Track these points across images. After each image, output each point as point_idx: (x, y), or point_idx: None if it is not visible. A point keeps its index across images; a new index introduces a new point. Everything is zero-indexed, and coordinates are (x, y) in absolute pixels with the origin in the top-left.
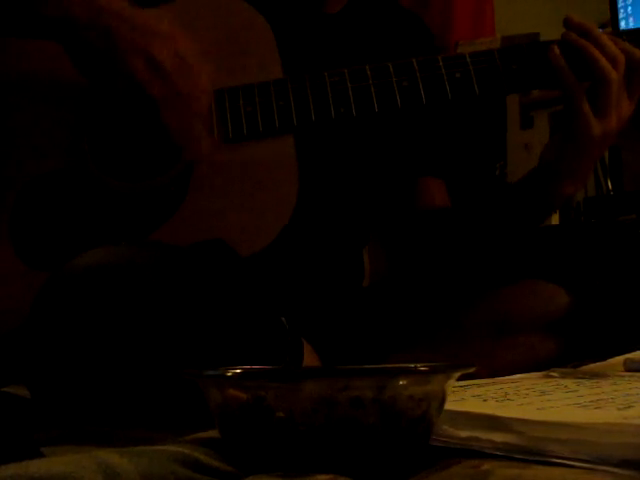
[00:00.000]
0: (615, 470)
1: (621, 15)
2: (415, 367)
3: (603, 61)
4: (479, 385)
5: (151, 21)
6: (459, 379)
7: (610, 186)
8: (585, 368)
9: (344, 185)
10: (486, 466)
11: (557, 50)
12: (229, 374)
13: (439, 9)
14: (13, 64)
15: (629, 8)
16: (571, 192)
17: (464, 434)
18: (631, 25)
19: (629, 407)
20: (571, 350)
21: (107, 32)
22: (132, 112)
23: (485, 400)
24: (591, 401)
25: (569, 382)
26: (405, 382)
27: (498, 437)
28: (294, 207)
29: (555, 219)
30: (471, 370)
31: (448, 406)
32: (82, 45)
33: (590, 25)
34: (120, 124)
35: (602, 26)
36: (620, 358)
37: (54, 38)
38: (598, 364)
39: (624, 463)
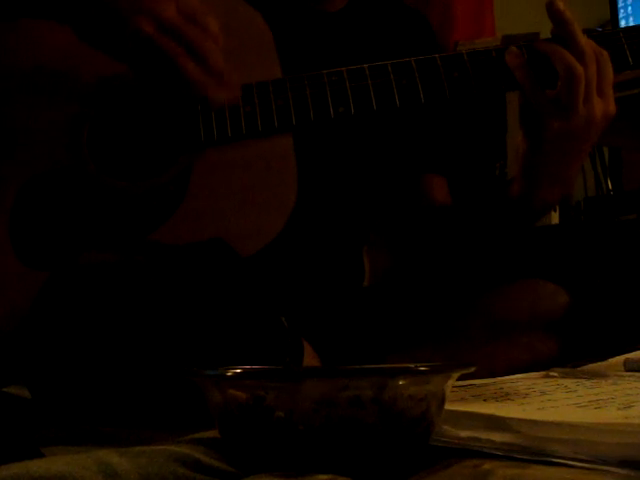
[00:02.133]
0: (615, 470)
1: (621, 15)
2: (415, 367)
3: (569, 57)
4: (479, 385)
5: None
6: (459, 379)
7: (610, 186)
8: (585, 368)
9: (343, 184)
10: (486, 466)
11: (515, 49)
12: (229, 374)
13: (439, 9)
14: (12, 59)
15: (629, 8)
16: (554, 198)
17: (464, 434)
18: (631, 24)
19: (629, 407)
20: (571, 350)
21: (109, 2)
22: (135, 108)
23: (485, 400)
24: (591, 401)
25: (569, 382)
26: (405, 382)
27: (498, 437)
28: (293, 207)
29: (555, 219)
30: (471, 370)
31: (448, 406)
32: (89, 20)
33: (569, 17)
34: (120, 122)
35: (602, 26)
36: (620, 358)
37: (65, 18)
38: (598, 364)
39: (624, 463)
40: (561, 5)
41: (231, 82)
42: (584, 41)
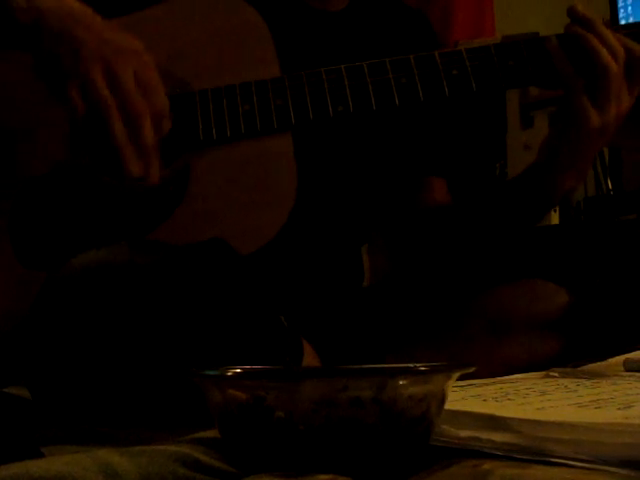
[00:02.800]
0: (615, 470)
1: (621, 15)
2: (415, 367)
3: (604, 52)
4: (479, 385)
5: (119, 36)
6: (459, 379)
7: (610, 186)
8: (585, 368)
9: (342, 183)
10: (486, 466)
11: (555, 41)
12: (229, 374)
13: (439, 9)
14: (12, 59)
15: (629, 8)
16: (571, 186)
17: (464, 434)
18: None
19: (629, 407)
20: (571, 349)
21: (73, 42)
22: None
23: (485, 400)
24: (591, 401)
25: (569, 382)
26: (405, 382)
27: (498, 437)
28: (293, 206)
29: (555, 219)
30: (471, 370)
31: (448, 406)
32: (46, 52)
33: (593, 17)
34: None
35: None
36: (620, 358)
37: (23, 46)
38: (598, 364)
39: (624, 463)
40: (581, 7)
41: (153, 161)
42: (613, 38)
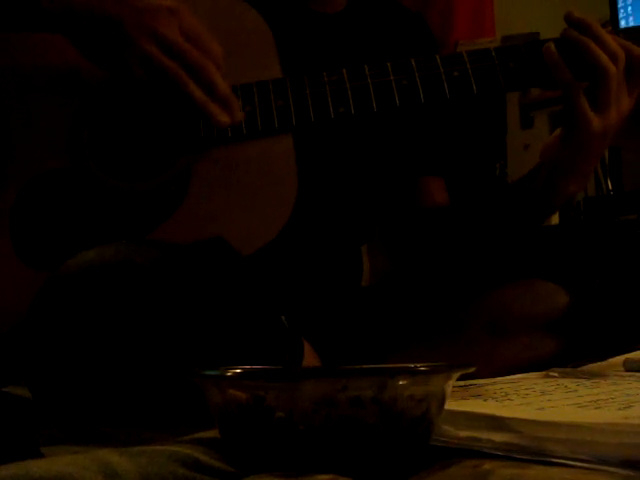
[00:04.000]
0: (615, 470)
1: (621, 15)
2: (415, 367)
3: (603, 56)
4: (479, 385)
5: (149, 1)
6: (459, 379)
7: (610, 186)
8: (585, 368)
9: (343, 184)
10: (486, 466)
11: (552, 47)
12: (229, 374)
13: (439, 9)
14: (12, 60)
15: (629, 8)
16: (574, 190)
17: (464, 434)
18: (631, 25)
19: (629, 407)
20: (571, 349)
21: (112, 21)
22: (135, 108)
23: (485, 400)
24: (591, 401)
25: (569, 382)
26: (405, 382)
27: (498, 437)
28: (293, 206)
29: (555, 219)
30: (471, 370)
31: (448, 406)
32: (90, 38)
33: (590, 20)
34: (121, 123)
35: (602, 26)
36: (620, 358)
37: (60, 32)
38: (598, 364)
39: (624, 463)
40: (577, 13)
41: (234, 105)
42: (611, 40)
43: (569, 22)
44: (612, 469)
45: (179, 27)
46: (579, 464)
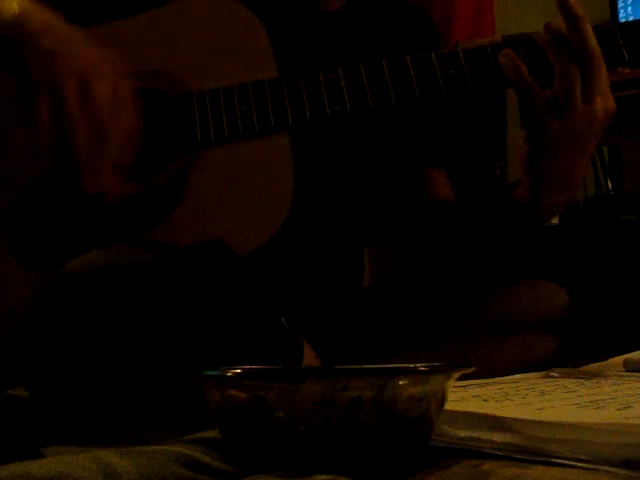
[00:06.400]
0: (615, 470)
1: (621, 15)
2: (415, 367)
3: (563, 54)
4: (479, 385)
5: (95, 50)
6: (459, 379)
7: (610, 186)
8: (585, 368)
9: (341, 182)
10: (486, 466)
11: (511, 52)
12: (229, 374)
13: (439, 9)
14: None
15: (629, 8)
16: (560, 202)
17: (464, 434)
18: None
19: (629, 407)
20: (571, 349)
21: (49, 57)
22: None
23: (485, 400)
24: (591, 401)
25: (569, 382)
26: (405, 382)
27: (498, 437)
28: (291, 205)
29: (555, 219)
30: (471, 370)
31: (448, 406)
32: (23, 67)
33: (580, 12)
34: None
35: (602, 26)
36: (620, 358)
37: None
38: (598, 364)
39: (624, 463)
40: (573, 1)
41: (111, 185)
42: (595, 41)
43: (560, 4)
44: (612, 469)
45: (111, 87)
46: (579, 464)
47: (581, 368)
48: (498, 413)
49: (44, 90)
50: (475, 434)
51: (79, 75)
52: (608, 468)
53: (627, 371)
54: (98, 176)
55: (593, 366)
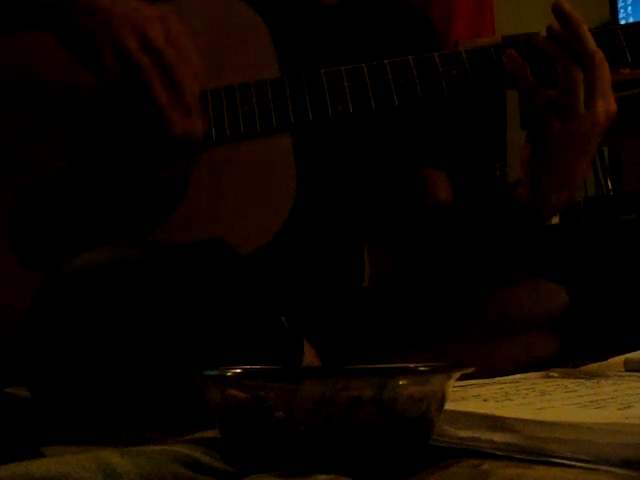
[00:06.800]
0: (615, 470)
1: (621, 15)
2: (415, 367)
3: (566, 57)
4: (479, 385)
5: (144, 4)
6: (459, 379)
7: (610, 186)
8: (585, 368)
9: (343, 182)
10: (486, 466)
11: (512, 53)
12: (229, 374)
13: (439, 9)
14: (10, 62)
15: (629, 8)
16: (560, 203)
17: (464, 434)
18: None
19: (629, 407)
20: (571, 349)
21: (100, 13)
22: (133, 109)
23: (485, 400)
24: (591, 401)
25: (569, 382)
26: (405, 382)
27: (498, 437)
28: (292, 205)
29: (555, 219)
30: (471, 370)
31: (448, 406)
32: (74, 29)
33: (576, 17)
34: (119, 123)
35: (602, 26)
36: (620, 358)
37: (49, 26)
38: (598, 364)
39: (624, 463)
40: (567, 6)
41: (196, 114)
42: (593, 43)
43: (555, 11)
44: (612, 469)
45: (166, 34)
46: (579, 464)
47: (581, 368)
48: (498, 413)
49: (106, 45)
50: (475, 434)
51: (136, 27)
52: (608, 468)
53: (627, 371)
54: (183, 118)
55: (593, 366)
